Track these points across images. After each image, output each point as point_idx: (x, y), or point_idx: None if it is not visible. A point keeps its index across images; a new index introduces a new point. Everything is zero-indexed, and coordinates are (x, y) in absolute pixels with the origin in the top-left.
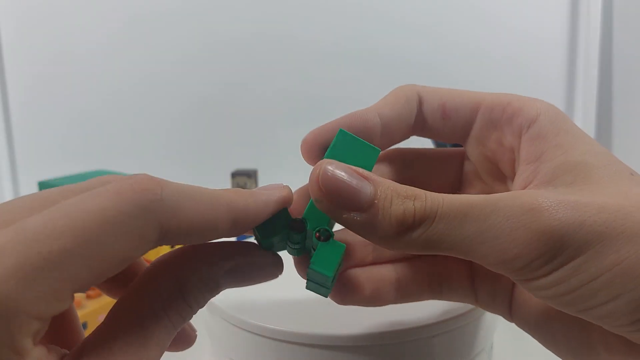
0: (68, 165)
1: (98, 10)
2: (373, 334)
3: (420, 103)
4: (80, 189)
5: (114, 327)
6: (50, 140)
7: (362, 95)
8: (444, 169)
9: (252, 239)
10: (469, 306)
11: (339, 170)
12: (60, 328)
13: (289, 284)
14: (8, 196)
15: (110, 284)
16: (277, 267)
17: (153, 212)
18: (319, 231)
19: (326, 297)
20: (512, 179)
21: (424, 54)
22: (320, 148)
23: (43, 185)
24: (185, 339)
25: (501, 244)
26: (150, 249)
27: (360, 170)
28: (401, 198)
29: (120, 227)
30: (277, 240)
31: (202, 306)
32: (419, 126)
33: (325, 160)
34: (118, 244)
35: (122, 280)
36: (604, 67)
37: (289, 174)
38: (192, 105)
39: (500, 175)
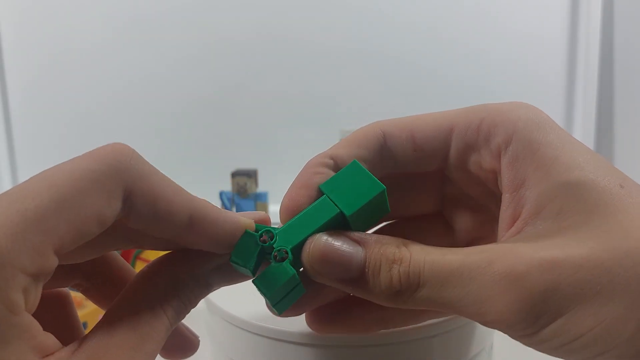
0: None
1: (98, 9)
2: (373, 334)
3: (385, 140)
4: None
5: (113, 322)
6: (50, 140)
7: (362, 95)
8: (423, 189)
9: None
10: None
11: (331, 241)
12: (61, 328)
13: None
14: None
15: (100, 293)
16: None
17: (119, 172)
18: (278, 251)
19: (275, 313)
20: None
21: (424, 54)
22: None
23: None
24: (188, 346)
25: (480, 309)
26: (118, 211)
27: (354, 235)
28: (389, 263)
29: (90, 183)
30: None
31: (194, 303)
32: (389, 164)
33: (315, 237)
34: (89, 199)
35: (111, 290)
36: (604, 67)
37: (289, 174)
38: (192, 105)
39: (492, 196)
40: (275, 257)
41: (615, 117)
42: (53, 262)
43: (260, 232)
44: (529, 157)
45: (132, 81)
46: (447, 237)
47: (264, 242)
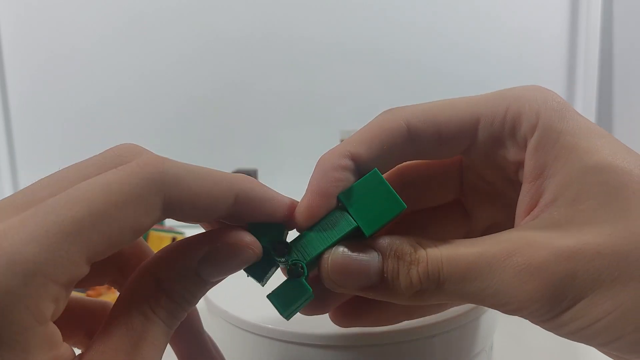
0: (68, 164)
1: (98, 9)
2: (373, 334)
3: (408, 134)
4: (92, 163)
5: (109, 329)
6: (50, 140)
7: (362, 95)
8: (444, 179)
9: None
10: (469, 306)
11: (348, 253)
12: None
13: None
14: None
15: (116, 277)
16: (253, 248)
17: (155, 183)
18: (294, 265)
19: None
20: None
21: (424, 53)
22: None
23: None
24: None
25: (502, 300)
26: (158, 219)
27: (368, 241)
28: (406, 265)
29: (125, 197)
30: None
31: (190, 301)
32: (410, 156)
33: (332, 251)
34: (125, 212)
35: (127, 274)
36: (604, 66)
37: (289, 174)
38: (192, 104)
39: (511, 182)
40: (291, 272)
41: (615, 117)
42: (85, 270)
43: (274, 243)
44: (549, 147)
45: (132, 81)
46: (464, 223)
47: (277, 254)
